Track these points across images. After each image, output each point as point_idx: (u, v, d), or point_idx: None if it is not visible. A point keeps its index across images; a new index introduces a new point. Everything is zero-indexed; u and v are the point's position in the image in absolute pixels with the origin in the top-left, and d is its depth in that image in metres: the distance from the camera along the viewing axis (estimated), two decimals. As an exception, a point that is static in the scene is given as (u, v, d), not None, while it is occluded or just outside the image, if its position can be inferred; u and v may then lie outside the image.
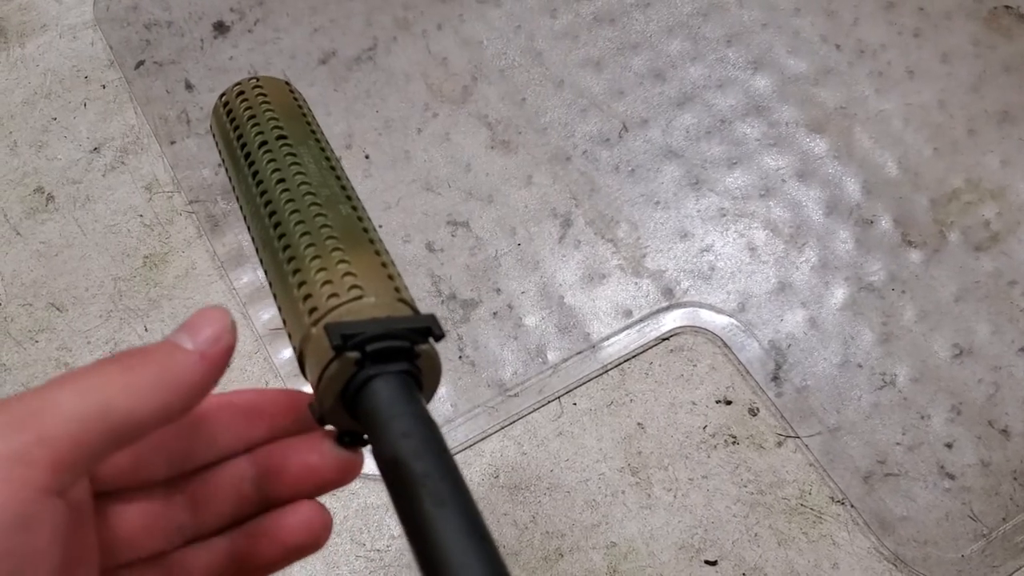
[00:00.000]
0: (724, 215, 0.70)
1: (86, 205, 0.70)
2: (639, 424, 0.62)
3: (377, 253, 0.29)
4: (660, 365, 0.64)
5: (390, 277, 0.28)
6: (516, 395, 0.63)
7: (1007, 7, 0.79)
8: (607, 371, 0.64)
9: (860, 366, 0.64)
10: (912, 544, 0.58)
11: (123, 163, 0.72)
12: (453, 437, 0.61)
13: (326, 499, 0.61)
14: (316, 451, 0.27)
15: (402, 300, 0.27)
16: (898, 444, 0.61)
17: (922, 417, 0.62)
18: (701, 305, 0.66)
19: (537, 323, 0.65)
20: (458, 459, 0.60)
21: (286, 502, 0.28)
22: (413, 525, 0.22)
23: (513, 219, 0.69)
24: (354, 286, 0.27)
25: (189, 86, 0.75)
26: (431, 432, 0.25)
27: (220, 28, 0.78)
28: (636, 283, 0.67)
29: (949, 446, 0.61)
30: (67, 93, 0.75)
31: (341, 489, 0.60)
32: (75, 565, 0.23)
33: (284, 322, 0.29)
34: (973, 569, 0.58)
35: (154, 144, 0.72)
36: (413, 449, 0.24)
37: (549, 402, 0.63)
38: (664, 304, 0.66)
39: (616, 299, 0.66)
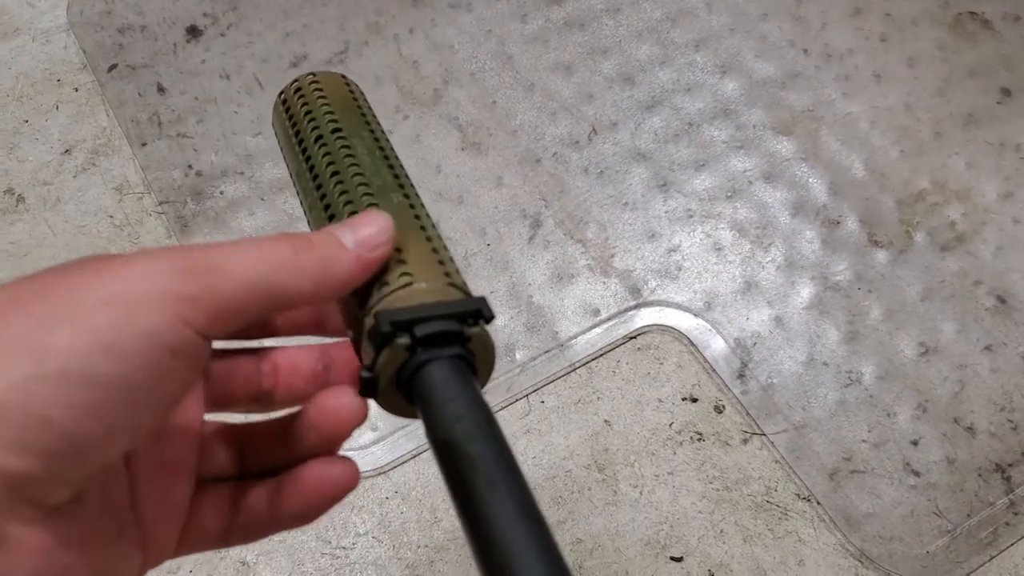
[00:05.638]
0: (691, 216, 0.70)
1: (56, 206, 0.70)
2: (606, 421, 0.62)
3: (428, 239, 0.29)
4: (627, 363, 0.64)
5: (440, 262, 0.28)
6: (484, 393, 0.63)
7: (972, 13, 0.81)
8: (575, 369, 0.64)
9: (826, 364, 0.64)
10: (878, 540, 0.59)
11: (94, 165, 0.72)
12: (419, 435, 0.61)
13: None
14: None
15: (452, 284, 0.27)
16: (864, 441, 0.62)
17: (888, 415, 0.63)
18: (668, 304, 0.66)
19: (506, 322, 0.66)
20: (425, 457, 0.60)
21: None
22: (466, 507, 0.23)
23: (483, 220, 0.70)
24: (404, 273, 0.27)
25: (161, 89, 0.75)
26: (484, 415, 0.25)
27: (193, 32, 0.78)
28: (604, 283, 0.67)
29: (915, 443, 0.62)
30: (39, 96, 0.76)
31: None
32: (196, 400, 0.27)
33: (340, 312, 0.29)
34: (938, 565, 0.58)
35: (125, 146, 0.73)
36: (466, 432, 0.24)
37: (517, 400, 0.63)
38: (632, 303, 0.66)
39: (584, 298, 0.67)
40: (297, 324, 0.30)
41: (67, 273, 0.21)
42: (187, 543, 0.27)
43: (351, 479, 0.28)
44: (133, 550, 0.24)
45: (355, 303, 0.27)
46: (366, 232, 0.26)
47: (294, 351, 0.30)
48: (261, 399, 0.29)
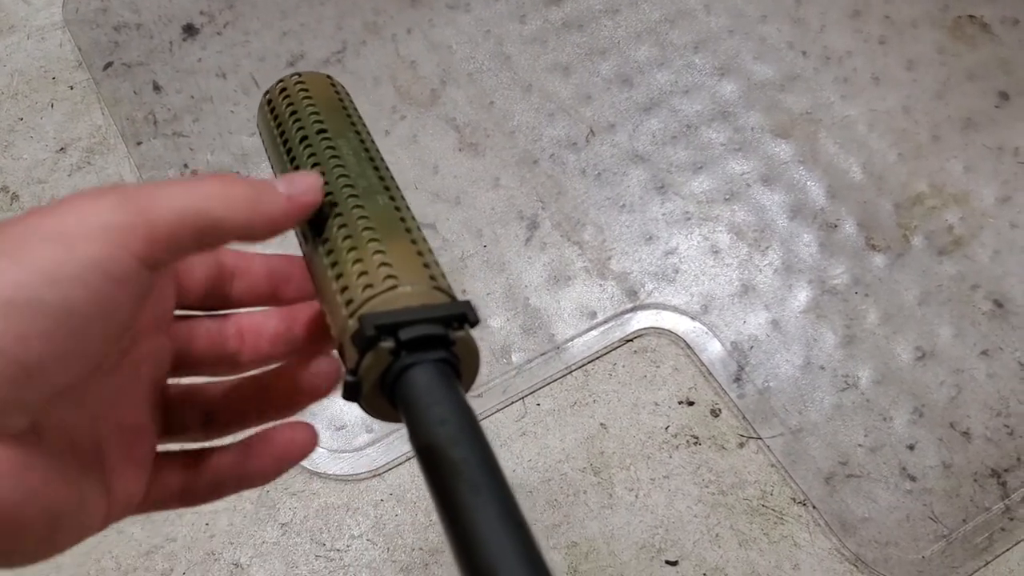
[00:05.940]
0: (689, 219, 0.70)
1: (51, 205, 0.70)
2: (602, 424, 0.62)
3: (413, 242, 0.29)
4: (624, 366, 0.64)
5: (426, 265, 0.28)
6: (480, 396, 0.63)
7: (971, 16, 0.80)
8: (571, 372, 0.64)
9: (822, 368, 0.64)
10: (873, 545, 0.59)
11: (89, 163, 0.72)
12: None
13: (287, 497, 0.60)
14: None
15: (438, 288, 0.27)
16: (860, 446, 0.62)
17: (884, 419, 0.63)
18: (665, 307, 0.66)
19: (502, 324, 0.65)
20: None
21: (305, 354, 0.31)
22: (448, 512, 0.23)
23: (480, 221, 0.69)
24: (389, 276, 0.27)
25: (157, 87, 0.75)
26: (468, 419, 0.25)
27: (189, 30, 0.78)
28: (601, 285, 0.67)
29: (911, 448, 0.62)
30: (34, 93, 0.75)
31: (301, 489, 0.60)
32: (148, 332, 0.28)
33: (325, 316, 0.29)
34: (933, 570, 0.58)
35: (121, 145, 0.72)
36: (449, 436, 0.24)
37: (513, 403, 0.63)
38: (628, 306, 0.66)
39: (581, 301, 0.66)
40: (254, 294, 0.32)
41: (14, 218, 0.23)
42: (150, 499, 0.28)
43: (313, 441, 0.30)
44: (97, 496, 0.25)
45: (342, 305, 0.27)
46: (297, 185, 0.28)
47: (257, 314, 0.31)
48: (228, 361, 0.31)
